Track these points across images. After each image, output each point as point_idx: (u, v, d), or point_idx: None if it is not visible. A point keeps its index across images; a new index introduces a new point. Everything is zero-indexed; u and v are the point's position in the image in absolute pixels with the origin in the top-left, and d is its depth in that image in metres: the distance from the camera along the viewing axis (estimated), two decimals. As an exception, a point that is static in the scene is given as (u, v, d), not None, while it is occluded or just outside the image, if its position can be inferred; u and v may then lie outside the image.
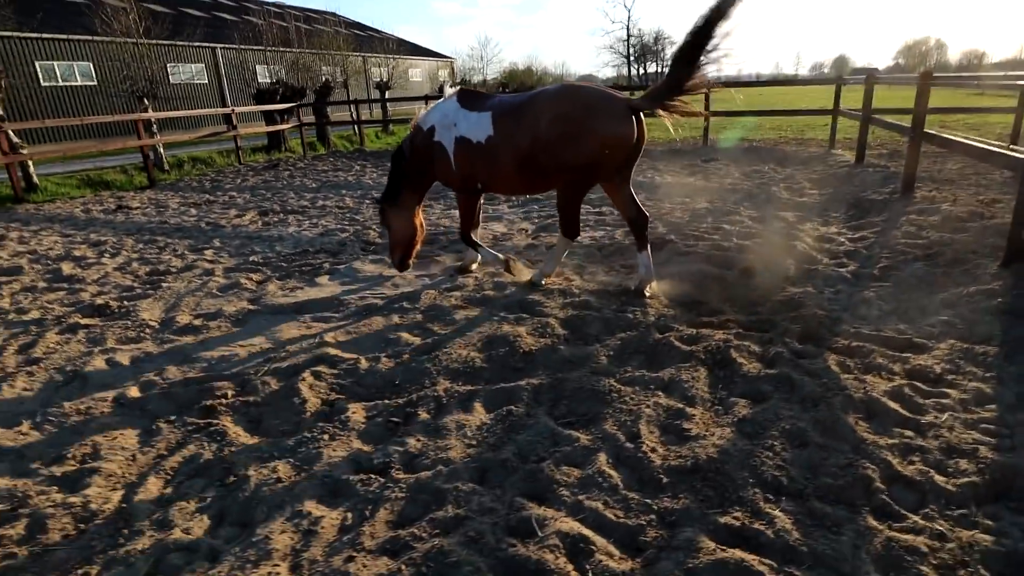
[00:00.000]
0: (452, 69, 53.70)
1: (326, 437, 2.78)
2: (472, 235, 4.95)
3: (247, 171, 14.49)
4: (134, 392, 3.40)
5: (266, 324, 4.37)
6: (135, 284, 5.60)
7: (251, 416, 3.09)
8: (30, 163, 12.20)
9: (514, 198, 8.76)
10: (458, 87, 4.83)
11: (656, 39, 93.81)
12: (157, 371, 3.67)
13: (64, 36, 22.52)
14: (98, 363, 3.84)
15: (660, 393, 3.06)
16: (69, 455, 2.82)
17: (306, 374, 3.40)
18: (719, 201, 7.86)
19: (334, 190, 10.73)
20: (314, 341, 3.94)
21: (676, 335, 3.69)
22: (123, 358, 3.91)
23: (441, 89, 29.04)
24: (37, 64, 21.79)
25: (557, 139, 3.98)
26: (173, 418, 3.10)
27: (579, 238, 6.12)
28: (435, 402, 3.05)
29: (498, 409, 2.96)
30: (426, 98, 19.61)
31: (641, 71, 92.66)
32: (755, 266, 4.93)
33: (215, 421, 3.01)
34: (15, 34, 19.30)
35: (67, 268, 6.25)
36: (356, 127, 20.25)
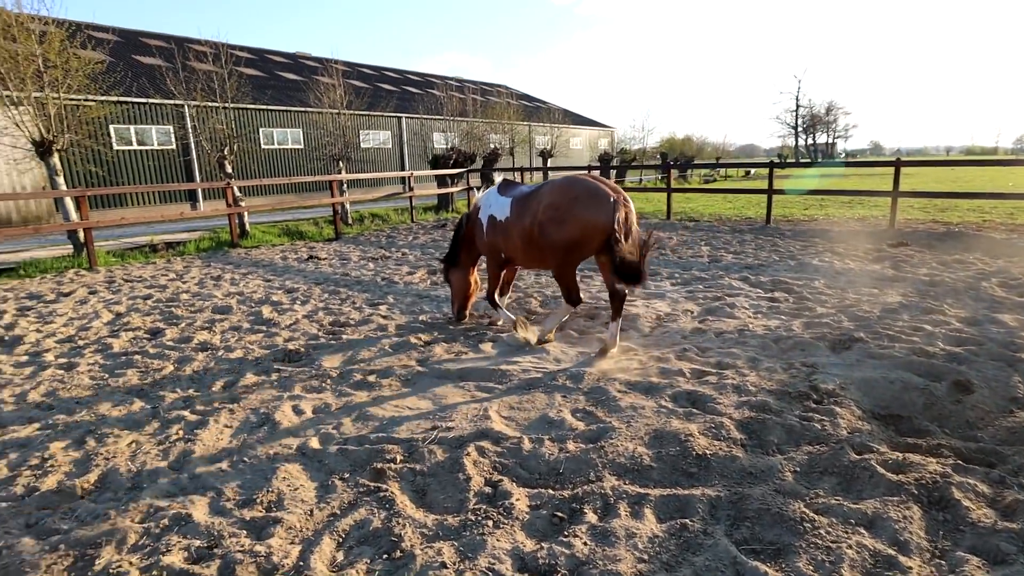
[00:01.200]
0: (612, 138, 54.74)
1: (490, 524, 2.72)
2: (497, 298, 5.93)
3: (418, 229, 15.66)
4: (314, 443, 3.63)
5: (432, 388, 4.51)
6: (320, 333, 6.13)
7: (417, 486, 3.14)
8: (246, 213, 14.26)
9: (676, 275, 8.49)
10: (503, 177, 6.00)
11: (828, 110, 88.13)
12: (335, 424, 3.91)
13: (283, 108, 26.80)
14: (286, 409, 4.18)
15: (863, 531, 2.63)
16: (257, 500, 3.03)
17: (470, 448, 3.40)
18: (915, 295, 6.94)
19: (496, 253, 11.15)
20: (478, 412, 3.97)
21: (878, 458, 3.20)
22: (307, 407, 4.23)
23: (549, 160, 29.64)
24: (261, 131, 25.93)
25: (547, 221, 4.88)
26: (347, 476, 3.24)
27: (751, 327, 5.75)
28: (602, 500, 2.88)
29: (671, 520, 2.72)
30: (588, 167, 20.14)
31: (809, 141, 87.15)
32: (971, 380, 4.21)
33: (384, 486, 3.08)
34: (249, 106, 23.36)
35: (266, 312, 7.04)
36: (518, 192, 21.23)
